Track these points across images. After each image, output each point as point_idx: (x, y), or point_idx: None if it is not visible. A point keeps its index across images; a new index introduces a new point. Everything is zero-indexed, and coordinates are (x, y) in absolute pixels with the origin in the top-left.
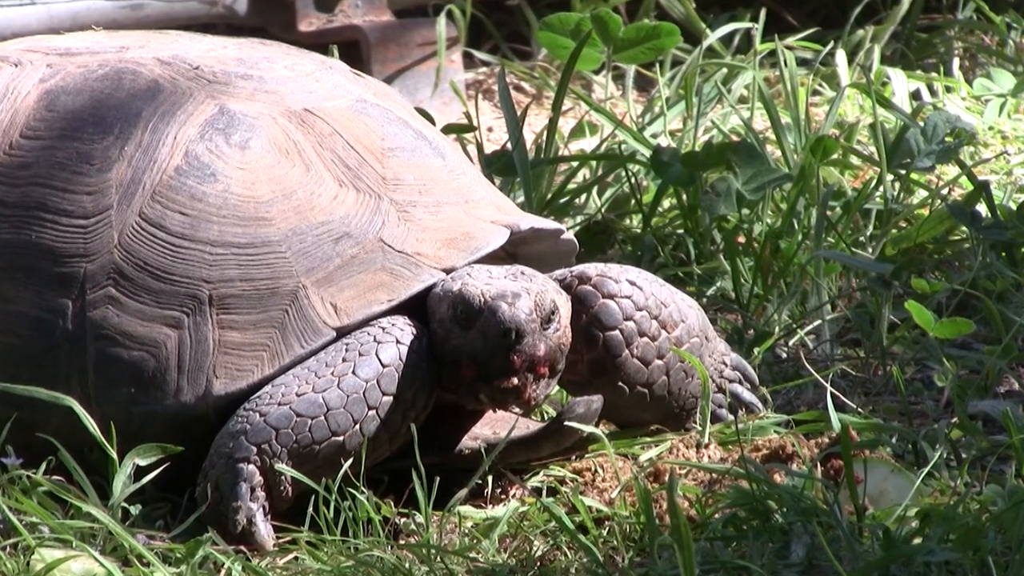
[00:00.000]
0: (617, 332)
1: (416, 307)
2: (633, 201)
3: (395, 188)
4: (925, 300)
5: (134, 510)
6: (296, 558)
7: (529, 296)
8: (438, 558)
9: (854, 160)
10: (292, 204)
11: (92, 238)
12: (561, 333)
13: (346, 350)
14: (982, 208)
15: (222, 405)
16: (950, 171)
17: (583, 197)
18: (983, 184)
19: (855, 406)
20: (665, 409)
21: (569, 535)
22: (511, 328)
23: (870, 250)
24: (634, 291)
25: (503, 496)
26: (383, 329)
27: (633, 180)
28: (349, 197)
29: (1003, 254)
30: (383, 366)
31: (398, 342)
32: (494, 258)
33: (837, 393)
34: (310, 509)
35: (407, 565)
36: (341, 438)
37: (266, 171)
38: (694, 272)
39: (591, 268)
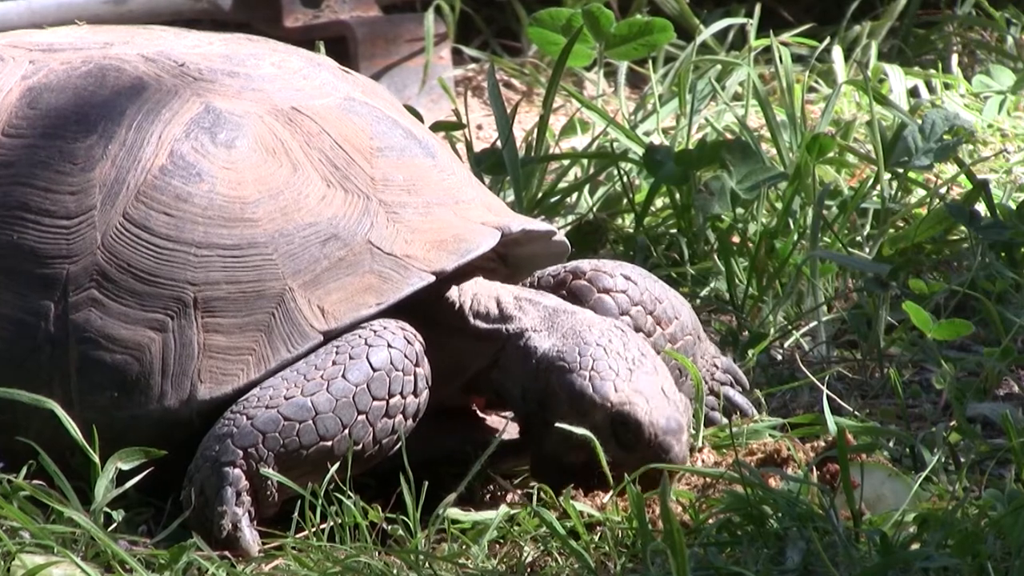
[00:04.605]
0: None
1: (409, 309)
2: (625, 200)
3: (384, 188)
4: (923, 301)
5: (116, 515)
6: (282, 564)
7: (685, 420)
8: (426, 564)
9: (851, 158)
10: (279, 205)
11: (75, 239)
12: None
13: (336, 353)
14: (981, 207)
15: (207, 410)
16: (948, 170)
17: (574, 196)
18: (982, 183)
19: (851, 409)
20: None
21: (560, 540)
22: (679, 465)
23: (867, 250)
24: (629, 286)
25: (493, 501)
26: (374, 332)
27: (625, 179)
28: (337, 198)
29: (1002, 254)
30: (374, 370)
31: (389, 346)
32: (485, 259)
33: (833, 396)
34: (296, 514)
35: (395, 571)
36: (329, 443)
37: (252, 171)
38: (687, 272)
39: (585, 263)
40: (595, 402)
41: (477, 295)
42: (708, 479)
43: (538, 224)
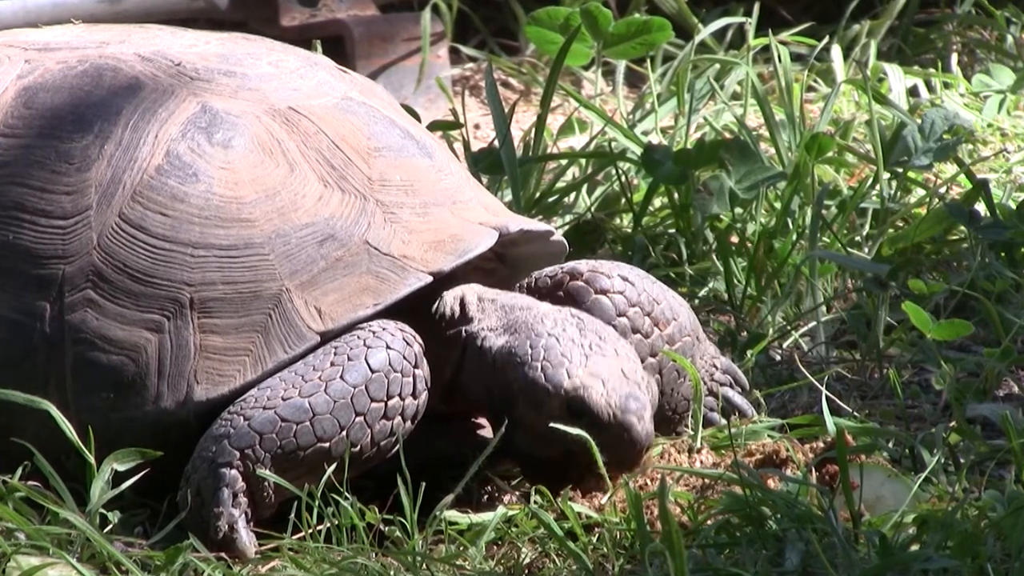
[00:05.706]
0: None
1: (406, 310)
2: (623, 200)
3: (381, 189)
4: (922, 301)
5: (112, 516)
6: (278, 565)
7: (648, 399)
8: (423, 565)
9: (850, 158)
10: (276, 205)
11: (71, 239)
12: None
13: (334, 354)
14: (981, 207)
15: (203, 411)
16: (948, 169)
17: (572, 196)
18: (982, 183)
19: (851, 410)
20: (657, 410)
21: (558, 542)
22: (643, 447)
23: (866, 250)
24: (626, 287)
25: (490, 502)
26: (373, 333)
27: (623, 178)
28: (334, 198)
29: (1002, 254)
30: (372, 371)
31: (388, 347)
32: (483, 259)
33: (832, 396)
34: (293, 515)
35: (392, 572)
36: (327, 444)
37: (249, 171)
38: (686, 273)
39: (582, 264)
40: (548, 391)
41: (443, 297)
42: (707, 480)
43: (536, 224)
